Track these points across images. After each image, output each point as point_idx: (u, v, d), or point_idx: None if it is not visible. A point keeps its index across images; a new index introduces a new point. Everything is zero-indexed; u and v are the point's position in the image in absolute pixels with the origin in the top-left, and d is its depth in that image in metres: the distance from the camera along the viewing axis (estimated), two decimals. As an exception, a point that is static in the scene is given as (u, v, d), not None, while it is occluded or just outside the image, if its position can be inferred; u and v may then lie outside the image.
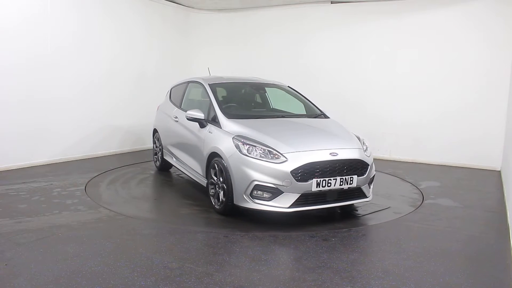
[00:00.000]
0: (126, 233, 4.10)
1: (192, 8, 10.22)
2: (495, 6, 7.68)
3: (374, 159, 5.05)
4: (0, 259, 3.41)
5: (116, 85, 8.45)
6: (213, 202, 4.90)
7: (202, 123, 5.24)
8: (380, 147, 8.75)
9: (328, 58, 9.24)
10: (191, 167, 5.63)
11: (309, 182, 4.26)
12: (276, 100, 6.42)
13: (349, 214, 4.99)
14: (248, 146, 4.42)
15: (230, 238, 4.02)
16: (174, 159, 6.27)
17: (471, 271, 3.45)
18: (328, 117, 5.65)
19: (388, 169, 7.65)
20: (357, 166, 4.57)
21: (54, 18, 7.12)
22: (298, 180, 4.24)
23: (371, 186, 4.92)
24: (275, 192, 4.26)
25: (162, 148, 6.75)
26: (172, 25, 9.89)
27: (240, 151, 4.43)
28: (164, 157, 6.71)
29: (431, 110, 8.31)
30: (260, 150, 4.37)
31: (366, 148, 4.93)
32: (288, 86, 6.29)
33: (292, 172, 4.22)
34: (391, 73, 8.67)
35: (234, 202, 4.49)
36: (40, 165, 6.99)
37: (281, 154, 4.32)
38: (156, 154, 7.12)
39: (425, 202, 5.55)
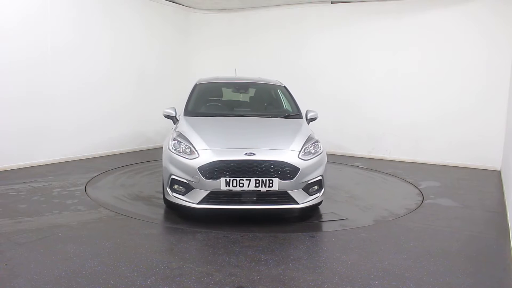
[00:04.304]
0: (126, 233, 4.10)
1: (192, 8, 10.22)
2: (495, 6, 7.69)
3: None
4: (0, 259, 3.41)
5: (116, 84, 8.45)
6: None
7: (173, 120, 5.52)
8: (380, 147, 8.74)
9: (328, 58, 9.24)
10: None
11: (218, 180, 4.24)
12: (266, 99, 6.39)
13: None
14: (175, 141, 4.60)
15: (230, 238, 4.02)
16: None
17: (471, 271, 3.45)
18: (301, 118, 5.52)
19: (388, 169, 7.64)
20: (280, 169, 4.30)
21: (54, 17, 7.12)
22: (206, 177, 4.25)
23: (317, 194, 4.57)
24: (187, 187, 4.38)
25: None
26: (172, 25, 9.89)
27: (168, 146, 4.64)
28: None
29: (431, 110, 8.31)
30: (184, 146, 4.51)
31: (319, 151, 4.63)
32: (284, 86, 6.27)
33: (199, 168, 4.27)
34: (391, 73, 8.67)
35: (164, 195, 4.69)
36: (40, 165, 6.99)
37: (196, 150, 4.41)
38: None
39: (425, 202, 5.55)
